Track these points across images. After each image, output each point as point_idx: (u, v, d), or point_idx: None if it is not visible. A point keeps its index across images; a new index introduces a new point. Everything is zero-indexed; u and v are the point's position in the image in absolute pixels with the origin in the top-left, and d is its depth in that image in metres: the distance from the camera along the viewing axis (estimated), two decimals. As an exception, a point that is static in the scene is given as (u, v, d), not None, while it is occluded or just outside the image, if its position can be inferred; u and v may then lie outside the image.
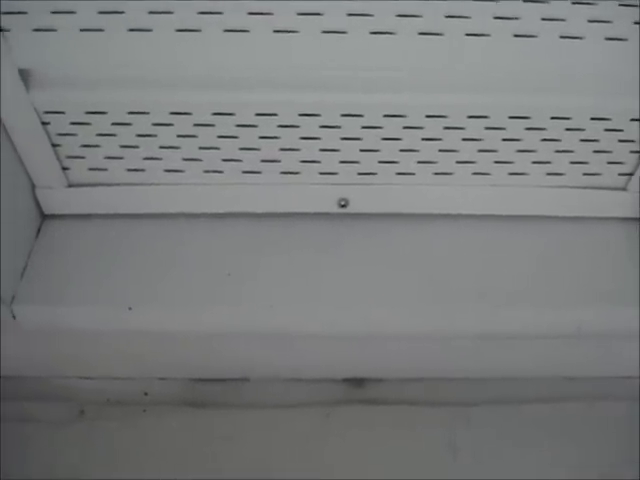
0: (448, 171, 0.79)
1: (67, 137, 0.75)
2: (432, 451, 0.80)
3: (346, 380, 0.86)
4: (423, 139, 0.76)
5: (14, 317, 0.75)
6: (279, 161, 0.78)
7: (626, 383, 0.85)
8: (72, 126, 0.74)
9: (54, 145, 0.76)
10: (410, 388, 0.85)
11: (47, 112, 0.73)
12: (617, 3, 0.64)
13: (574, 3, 0.64)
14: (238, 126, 0.74)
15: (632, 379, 0.85)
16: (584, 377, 0.86)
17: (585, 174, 0.80)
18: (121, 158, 0.77)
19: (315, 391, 0.85)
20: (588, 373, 0.85)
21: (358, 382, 0.86)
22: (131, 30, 0.65)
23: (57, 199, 0.81)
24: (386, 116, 0.73)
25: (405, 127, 0.74)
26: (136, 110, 0.73)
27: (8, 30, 0.64)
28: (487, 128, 0.75)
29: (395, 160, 0.78)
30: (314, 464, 0.79)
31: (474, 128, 0.75)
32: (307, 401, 0.84)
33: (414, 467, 0.78)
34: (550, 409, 0.83)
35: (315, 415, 0.83)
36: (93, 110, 0.73)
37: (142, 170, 0.79)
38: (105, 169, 0.78)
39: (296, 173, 0.79)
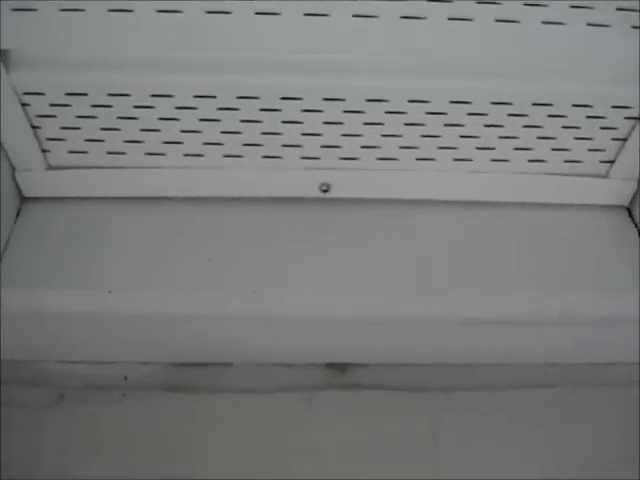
0: (430, 157, 0.79)
1: (47, 119, 0.75)
2: (414, 437, 0.80)
3: (329, 365, 0.86)
4: (405, 124, 0.76)
5: (-7, 300, 0.74)
6: (261, 145, 0.78)
7: (609, 369, 0.86)
8: (52, 108, 0.74)
9: (34, 127, 0.75)
10: (393, 373, 0.85)
11: (27, 93, 0.72)
12: (600, -11, 0.64)
13: (557, -12, 0.64)
14: (220, 109, 0.74)
15: (615, 365, 0.86)
16: (567, 363, 0.86)
17: (566, 161, 0.81)
18: (101, 141, 0.77)
19: (298, 376, 0.85)
20: (571, 359, 0.86)
21: (341, 367, 0.86)
22: (112, 10, 0.64)
23: (37, 182, 0.81)
24: (368, 101, 0.73)
25: (387, 112, 0.75)
26: (116, 92, 0.72)
27: (-14, 10, 0.64)
28: (469, 114, 0.75)
29: (377, 145, 0.78)
30: (296, 449, 0.78)
31: (456, 114, 0.75)
32: (289, 386, 0.84)
33: (396, 452, 0.78)
34: (533, 395, 0.83)
35: (297, 400, 0.82)
36: (73, 91, 0.72)
37: (123, 153, 0.78)
38: (85, 152, 0.78)
39: (278, 157, 0.79)
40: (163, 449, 0.78)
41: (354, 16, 0.65)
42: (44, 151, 0.78)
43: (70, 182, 0.81)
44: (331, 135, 0.77)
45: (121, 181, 0.80)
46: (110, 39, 0.67)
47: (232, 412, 0.81)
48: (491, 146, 0.79)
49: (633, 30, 0.66)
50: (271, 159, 0.79)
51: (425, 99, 0.74)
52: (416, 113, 0.75)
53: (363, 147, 0.78)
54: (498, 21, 0.66)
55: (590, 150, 0.80)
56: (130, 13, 0.65)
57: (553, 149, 0.79)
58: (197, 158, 0.79)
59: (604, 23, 0.66)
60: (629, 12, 0.65)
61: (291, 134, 0.77)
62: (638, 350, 0.83)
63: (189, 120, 0.75)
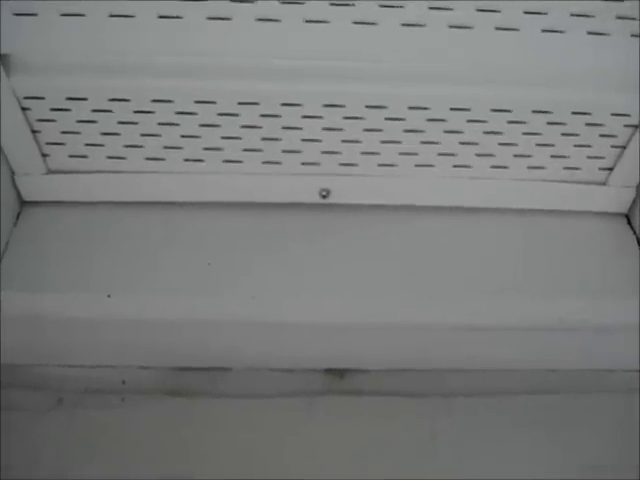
0: (429, 163, 0.79)
1: (47, 123, 0.75)
2: (413, 442, 0.80)
3: (328, 370, 0.86)
4: (405, 131, 0.76)
5: (-8, 304, 0.74)
6: (261, 151, 0.78)
7: (609, 376, 0.86)
8: (52, 112, 0.74)
9: (34, 131, 0.76)
10: (392, 379, 0.85)
11: (27, 97, 0.72)
12: (600, -3, 0.64)
13: (557, -4, 0.64)
14: (220, 115, 0.74)
15: (615, 372, 0.86)
16: (565, 369, 0.86)
17: (566, 168, 0.81)
18: (101, 145, 0.77)
19: (297, 381, 0.85)
20: (571, 366, 0.86)
21: (340, 373, 0.86)
22: (113, 16, 0.64)
23: (36, 186, 0.81)
24: (368, 107, 0.74)
25: (387, 118, 0.75)
26: (117, 97, 0.72)
27: (-13, 14, 0.64)
28: (469, 121, 0.75)
29: (377, 151, 0.78)
30: (295, 454, 0.79)
31: (456, 120, 0.75)
32: (289, 391, 0.84)
33: (395, 458, 0.79)
34: (533, 401, 0.83)
35: (296, 405, 0.82)
36: (73, 96, 0.72)
37: (122, 158, 0.78)
38: (85, 156, 0.78)
39: (277, 163, 0.79)
40: (162, 453, 0.78)
41: (354, 23, 0.65)
42: (44, 155, 0.78)
43: (70, 186, 0.81)
44: (331, 141, 0.77)
45: (121, 186, 0.80)
46: (111, 44, 0.67)
47: (231, 417, 0.81)
48: (490, 153, 0.79)
49: (633, 38, 0.67)
50: (271, 165, 0.79)
51: (425, 106, 0.74)
52: (416, 120, 0.75)
53: (363, 153, 0.78)
54: (498, 29, 0.66)
55: (589, 157, 0.80)
56: (131, 18, 0.65)
57: (552, 156, 0.79)
58: (197, 163, 0.79)
59: (604, 31, 0.66)
60: (629, 20, 0.65)
61: (291, 140, 0.77)
62: (638, 357, 0.83)
63: (189, 125, 0.75)
